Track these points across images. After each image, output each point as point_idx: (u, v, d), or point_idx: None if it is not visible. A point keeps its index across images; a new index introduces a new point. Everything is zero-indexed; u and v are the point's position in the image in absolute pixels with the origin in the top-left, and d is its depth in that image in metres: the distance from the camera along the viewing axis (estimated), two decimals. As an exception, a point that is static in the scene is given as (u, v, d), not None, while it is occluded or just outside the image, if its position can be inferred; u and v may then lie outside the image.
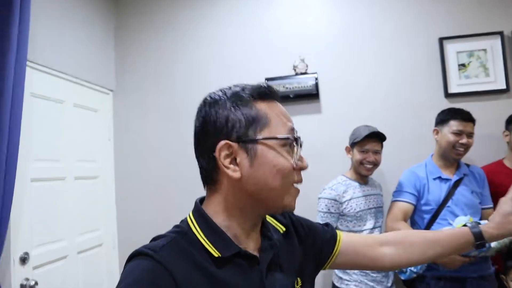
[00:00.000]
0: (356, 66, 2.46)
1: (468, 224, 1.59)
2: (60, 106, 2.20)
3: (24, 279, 1.83)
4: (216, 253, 0.69)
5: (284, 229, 0.86)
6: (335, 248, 0.92)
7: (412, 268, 1.86)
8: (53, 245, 2.05)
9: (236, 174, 0.70)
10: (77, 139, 2.32)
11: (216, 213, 0.73)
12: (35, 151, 1.98)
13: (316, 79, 2.43)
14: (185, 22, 2.67)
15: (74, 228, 2.22)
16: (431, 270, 1.84)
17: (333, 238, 0.93)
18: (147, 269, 0.62)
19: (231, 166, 0.70)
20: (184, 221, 0.76)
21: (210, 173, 0.73)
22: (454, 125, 1.92)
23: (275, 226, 0.86)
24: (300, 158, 0.74)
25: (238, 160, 0.70)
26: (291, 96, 2.40)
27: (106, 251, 2.52)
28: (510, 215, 0.95)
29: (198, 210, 0.75)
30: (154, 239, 0.72)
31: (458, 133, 1.91)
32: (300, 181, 0.75)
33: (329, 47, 2.49)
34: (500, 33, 2.29)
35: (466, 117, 1.92)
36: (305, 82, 2.42)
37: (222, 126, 0.70)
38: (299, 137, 0.74)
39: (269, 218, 0.86)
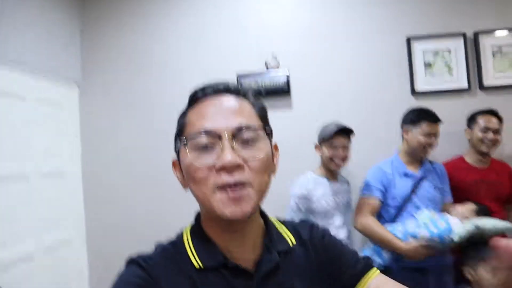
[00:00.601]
0: (327, 63, 2.49)
1: (431, 217, 1.64)
2: (22, 102, 2.09)
3: (-14, 283, 1.76)
4: (197, 264, 0.67)
5: (294, 242, 0.75)
6: (360, 283, 0.75)
7: (379, 261, 1.93)
8: (18, 247, 1.97)
9: (184, 187, 0.71)
10: (42, 136, 2.23)
11: (204, 221, 0.72)
12: (-4, 149, 1.89)
13: (288, 76, 2.44)
14: (156, 14, 2.60)
15: (40, 228, 2.15)
16: (397, 261, 1.92)
17: (360, 273, 0.76)
18: (136, 278, 0.64)
19: (179, 176, 0.72)
20: (181, 230, 0.76)
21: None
22: (425, 127, 2.00)
23: (284, 236, 0.76)
24: (219, 156, 0.62)
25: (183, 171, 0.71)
26: (263, 92, 2.41)
27: (75, 250, 2.45)
28: None
29: (195, 219, 0.74)
30: (155, 246, 0.73)
31: (428, 135, 1.99)
32: (224, 183, 0.61)
33: (300, 45, 2.50)
34: (463, 35, 2.39)
35: (436, 119, 2.02)
36: (277, 79, 2.44)
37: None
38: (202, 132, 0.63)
39: (279, 226, 0.77)
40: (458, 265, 1.80)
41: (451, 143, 2.35)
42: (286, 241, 0.74)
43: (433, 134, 2.01)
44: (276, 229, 0.76)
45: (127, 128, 2.59)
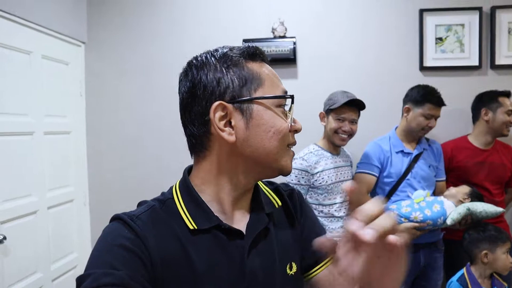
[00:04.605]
0: (335, 32, 2.42)
1: (425, 199, 1.67)
2: (27, 57, 2.11)
3: (-9, 233, 1.84)
4: (191, 225, 0.66)
5: (280, 203, 0.80)
6: (315, 269, 0.80)
7: None
8: (22, 200, 2.05)
9: (232, 138, 0.66)
10: (47, 93, 2.25)
11: (205, 182, 0.71)
12: (1, 104, 1.91)
13: (294, 43, 2.39)
14: (162, -26, 2.54)
15: (44, 184, 2.21)
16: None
17: (319, 258, 0.80)
18: (121, 235, 0.62)
19: (226, 129, 0.67)
20: (170, 189, 0.74)
21: (200, 139, 0.70)
22: (427, 109, 1.94)
23: (271, 198, 0.80)
24: (294, 120, 0.72)
25: (233, 122, 0.67)
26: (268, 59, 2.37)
27: (77, 207, 2.53)
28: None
29: (184, 180, 0.72)
30: (139, 204, 0.72)
31: (429, 117, 1.95)
32: (294, 143, 0.72)
33: (309, 12, 2.43)
34: (479, 9, 2.29)
35: (440, 102, 1.96)
36: (283, 46, 2.38)
37: (213, 88, 0.67)
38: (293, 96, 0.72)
39: (265, 189, 0.82)
40: (464, 244, 1.82)
41: (455, 121, 2.31)
42: (272, 203, 0.79)
43: (434, 117, 1.96)
44: (263, 191, 0.80)
45: (131, 87, 2.59)
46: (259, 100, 0.67)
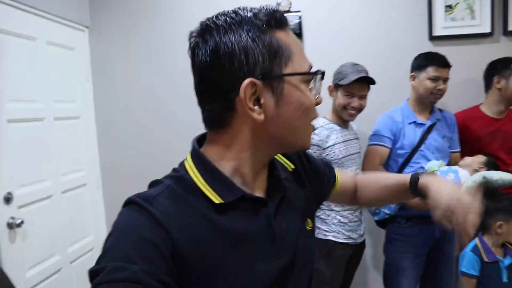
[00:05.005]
0: (340, 5, 2.37)
1: (439, 169, 1.65)
2: (32, 44, 2.10)
3: (10, 217, 1.88)
4: (217, 199, 0.63)
5: (293, 166, 0.81)
6: (333, 189, 0.94)
7: (386, 210, 1.96)
8: (36, 185, 2.08)
9: (261, 117, 0.62)
10: (54, 78, 2.25)
11: (224, 157, 0.66)
12: (9, 91, 1.92)
13: (300, 17, 2.35)
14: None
15: (57, 168, 2.24)
16: (403, 210, 1.94)
17: (333, 179, 0.94)
18: (137, 223, 0.57)
19: (256, 108, 0.62)
20: (182, 165, 0.68)
21: (221, 115, 0.64)
22: (431, 71, 1.91)
23: (283, 163, 0.80)
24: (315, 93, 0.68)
25: (262, 100, 0.62)
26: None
27: (90, 191, 2.57)
28: (444, 206, 0.77)
29: (197, 153, 0.67)
30: (151, 184, 0.67)
31: (435, 79, 1.91)
32: (316, 117, 0.69)
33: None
34: (491, -27, 2.21)
35: (443, 62, 1.91)
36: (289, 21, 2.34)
37: (241, 61, 0.60)
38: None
39: (277, 156, 0.80)
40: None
41: (467, 91, 2.27)
42: (285, 167, 0.79)
43: (441, 79, 1.91)
44: (275, 157, 0.78)
45: (138, 70, 2.59)
46: (290, 77, 0.63)
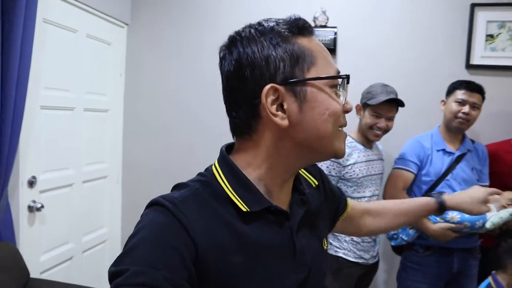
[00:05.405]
0: (377, 23, 2.35)
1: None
2: (73, 35, 2.18)
3: (31, 201, 1.93)
4: (244, 208, 0.62)
5: (316, 183, 0.81)
6: (343, 215, 0.93)
7: (403, 236, 1.90)
8: (60, 172, 2.13)
9: (285, 122, 0.62)
10: (88, 71, 2.32)
11: (251, 165, 0.67)
12: (46, 78, 1.98)
13: (335, 33, 2.34)
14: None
15: (80, 158, 2.29)
16: (421, 239, 1.88)
17: (344, 205, 0.93)
18: (163, 226, 0.57)
19: (279, 113, 0.62)
20: (209, 170, 0.69)
21: (246, 122, 0.65)
22: (459, 94, 1.87)
23: (308, 179, 0.80)
24: (346, 100, 0.68)
25: (285, 106, 0.63)
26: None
27: (110, 184, 2.61)
28: (477, 202, 1.05)
29: (225, 160, 0.67)
30: (176, 187, 0.66)
31: (461, 103, 1.85)
32: (345, 124, 0.68)
33: (350, 2, 2.36)
34: (537, 5, 2.15)
35: (472, 87, 1.85)
36: (324, 36, 2.33)
37: (263, 68, 0.62)
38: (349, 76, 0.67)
39: (301, 170, 0.80)
40: (499, 251, 1.74)
41: (501, 124, 2.19)
42: (310, 183, 0.80)
43: (469, 103, 1.84)
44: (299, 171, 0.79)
45: (171, 71, 2.63)
46: (313, 81, 0.63)
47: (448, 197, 1.04)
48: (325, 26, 2.34)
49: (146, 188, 2.64)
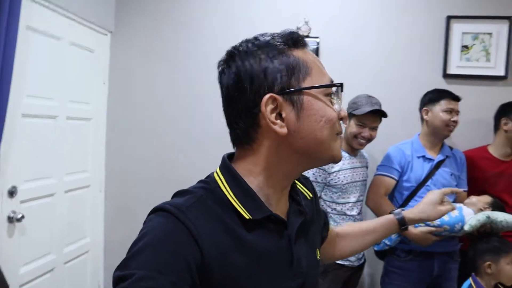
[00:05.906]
0: (359, 34, 2.42)
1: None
2: (57, 43, 2.15)
3: (11, 211, 1.88)
4: (246, 215, 0.65)
5: (311, 195, 0.85)
6: (327, 232, 0.97)
7: (386, 241, 1.94)
8: (41, 182, 2.09)
9: (284, 130, 0.65)
10: (72, 79, 2.29)
11: (251, 173, 0.69)
12: (28, 86, 1.95)
13: (318, 43, 2.40)
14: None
15: (63, 167, 2.25)
16: (404, 244, 1.93)
17: (328, 223, 0.97)
18: (169, 231, 0.58)
19: (278, 121, 0.65)
20: (211, 177, 0.70)
21: (246, 132, 0.68)
22: (445, 104, 1.96)
23: (303, 191, 0.83)
24: (341, 108, 0.71)
25: (283, 114, 0.66)
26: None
27: (92, 193, 2.57)
28: (434, 204, 1.10)
29: (228, 168, 0.69)
30: (178, 194, 0.67)
31: (449, 111, 1.95)
32: (341, 131, 0.72)
33: (333, 13, 2.43)
34: (509, 18, 2.26)
35: (454, 96, 1.98)
36: (307, 46, 2.38)
37: (261, 79, 0.65)
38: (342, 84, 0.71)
39: (297, 183, 0.83)
40: (469, 254, 1.80)
41: (477, 131, 2.28)
42: (305, 195, 0.83)
43: (454, 111, 1.95)
44: (295, 183, 0.81)
45: (155, 78, 2.62)
46: (309, 90, 0.66)
47: (407, 212, 1.08)
48: (307, 36, 2.39)
49: (129, 197, 2.61)
